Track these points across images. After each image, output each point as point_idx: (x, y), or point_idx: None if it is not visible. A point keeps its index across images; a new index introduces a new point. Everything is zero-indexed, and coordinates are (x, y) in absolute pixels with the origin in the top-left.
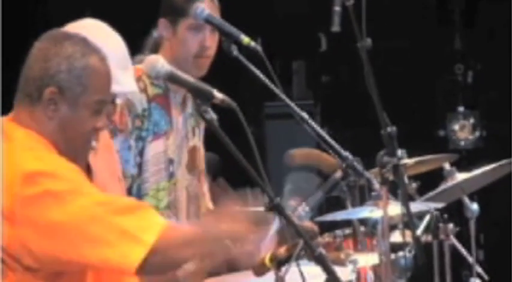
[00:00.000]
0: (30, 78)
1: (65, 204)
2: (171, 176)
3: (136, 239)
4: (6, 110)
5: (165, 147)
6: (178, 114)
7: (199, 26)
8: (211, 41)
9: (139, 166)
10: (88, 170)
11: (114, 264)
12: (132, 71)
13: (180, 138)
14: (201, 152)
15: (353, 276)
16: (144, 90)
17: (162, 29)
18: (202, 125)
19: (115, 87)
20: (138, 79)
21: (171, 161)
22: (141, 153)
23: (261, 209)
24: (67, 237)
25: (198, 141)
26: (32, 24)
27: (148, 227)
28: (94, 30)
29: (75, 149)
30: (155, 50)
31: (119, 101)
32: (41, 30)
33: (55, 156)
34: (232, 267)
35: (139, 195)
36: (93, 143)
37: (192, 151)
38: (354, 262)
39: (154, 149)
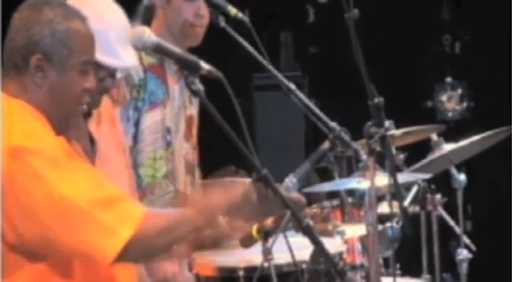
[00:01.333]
0: (14, 48)
1: (46, 187)
2: (168, 145)
3: (113, 233)
4: None
5: (162, 116)
6: (175, 83)
7: None
8: (205, 10)
9: (135, 136)
10: (91, 141)
11: (89, 256)
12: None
13: (177, 107)
14: (196, 121)
15: (344, 248)
16: (139, 60)
17: None
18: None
19: (116, 62)
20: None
21: (168, 130)
22: (136, 123)
23: (248, 180)
24: (45, 221)
25: (194, 110)
26: None
27: (126, 220)
28: (95, 3)
29: (66, 114)
30: (147, 18)
31: (119, 75)
32: None
33: (45, 132)
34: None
35: (136, 166)
36: (84, 107)
37: (189, 120)
38: (342, 233)
39: (151, 118)
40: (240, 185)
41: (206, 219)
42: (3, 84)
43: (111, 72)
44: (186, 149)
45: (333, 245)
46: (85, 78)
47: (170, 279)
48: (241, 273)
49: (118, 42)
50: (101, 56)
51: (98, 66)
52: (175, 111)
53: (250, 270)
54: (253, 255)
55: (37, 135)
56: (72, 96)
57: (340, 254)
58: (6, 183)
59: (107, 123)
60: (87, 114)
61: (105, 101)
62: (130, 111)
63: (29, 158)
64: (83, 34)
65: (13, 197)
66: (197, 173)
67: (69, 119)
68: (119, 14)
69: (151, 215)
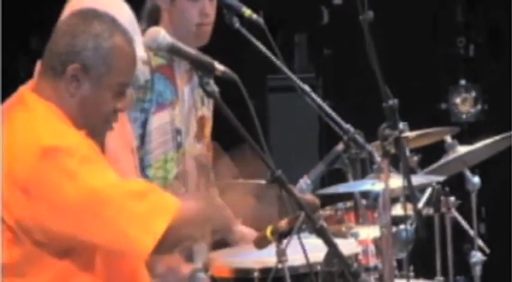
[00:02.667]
0: (55, 52)
1: (79, 183)
2: (178, 146)
3: (147, 226)
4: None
5: (171, 117)
6: (184, 83)
7: None
8: (210, 8)
9: (142, 138)
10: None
11: (123, 249)
12: (140, 38)
13: (188, 108)
14: (210, 122)
15: (359, 249)
16: (147, 61)
17: (159, 0)
18: None
19: None
20: None
21: (178, 131)
22: (143, 124)
23: (262, 181)
24: (79, 216)
25: (207, 110)
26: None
27: (161, 211)
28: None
29: (93, 128)
30: (152, 20)
31: (139, 74)
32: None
33: (73, 132)
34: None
35: (142, 167)
36: (113, 124)
37: (201, 120)
38: (355, 235)
39: (159, 119)
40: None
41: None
42: (37, 84)
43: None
44: (198, 150)
45: (348, 246)
46: (118, 98)
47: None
48: (256, 274)
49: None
50: None
51: None
52: (185, 112)
53: (265, 271)
54: (268, 257)
55: (66, 134)
56: (101, 113)
57: (356, 255)
58: (37, 182)
59: (116, 123)
60: None
61: None
62: (137, 113)
63: (60, 156)
64: (126, 55)
65: (43, 198)
66: (211, 174)
67: (94, 134)
68: (123, 8)
69: (180, 208)
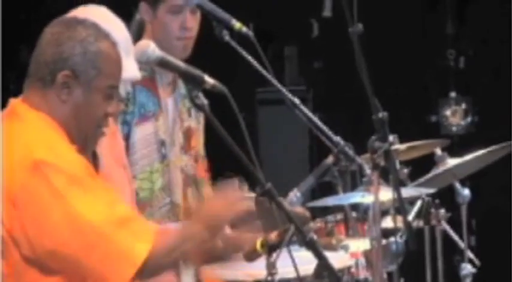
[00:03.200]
0: (42, 62)
1: (64, 204)
2: (163, 157)
3: (129, 254)
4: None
5: (154, 128)
6: (167, 95)
7: (178, 8)
8: (191, 22)
9: (126, 150)
10: (94, 156)
11: (103, 275)
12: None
13: (172, 119)
14: (199, 133)
15: (352, 262)
16: None
17: (143, 12)
18: None
19: None
20: None
21: (162, 143)
22: (127, 136)
23: (252, 195)
24: (62, 238)
25: (195, 122)
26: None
27: (141, 239)
28: (97, 16)
29: (86, 134)
30: (139, 33)
31: (121, 87)
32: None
33: (66, 147)
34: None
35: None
36: (104, 129)
37: (188, 132)
38: (345, 247)
39: (143, 131)
40: (244, 197)
41: (211, 232)
42: (26, 95)
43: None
44: (185, 161)
45: (340, 259)
46: (109, 102)
47: None
48: None
49: (121, 54)
50: None
51: None
52: (169, 123)
53: None
54: (260, 269)
55: (59, 150)
56: (94, 118)
57: (348, 268)
58: (24, 196)
59: (108, 138)
60: None
61: None
62: (119, 125)
63: (49, 172)
64: (112, 58)
65: (30, 211)
66: (204, 185)
67: (87, 140)
68: (119, 25)
69: (160, 234)
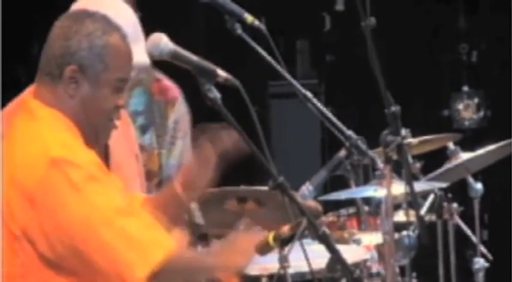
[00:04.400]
0: (51, 56)
1: (83, 199)
2: None
3: (146, 254)
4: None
5: None
6: None
7: None
8: None
9: None
10: (105, 147)
11: (119, 273)
12: (143, 43)
13: None
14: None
15: (368, 256)
16: None
17: None
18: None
19: None
20: None
21: None
22: None
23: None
24: (81, 234)
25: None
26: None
27: (159, 246)
28: (105, 3)
29: (97, 128)
30: None
31: (132, 73)
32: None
33: (79, 145)
34: None
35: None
36: (116, 122)
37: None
38: (358, 241)
39: None
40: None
41: (226, 272)
42: (37, 91)
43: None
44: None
45: (356, 252)
46: (118, 95)
47: None
48: (264, 280)
49: (130, 39)
50: None
51: None
52: None
53: (273, 278)
54: (274, 263)
55: (74, 148)
56: (103, 111)
57: (364, 261)
58: (43, 192)
59: (121, 128)
60: None
61: None
62: None
63: (67, 168)
64: (121, 51)
65: (49, 207)
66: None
67: (99, 133)
68: (128, 12)
69: (181, 250)
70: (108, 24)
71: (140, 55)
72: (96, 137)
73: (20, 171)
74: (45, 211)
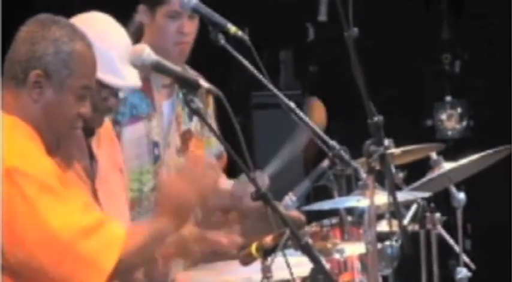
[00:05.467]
0: (16, 60)
1: (35, 214)
2: (156, 158)
3: (96, 265)
4: None
5: (146, 130)
6: (164, 97)
7: (176, 13)
8: (189, 27)
9: None
10: (91, 159)
11: None
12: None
13: (167, 122)
14: (201, 137)
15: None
16: None
17: (141, 15)
18: (210, 111)
19: (118, 82)
20: None
21: (155, 144)
22: (117, 136)
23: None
24: (32, 249)
25: (198, 125)
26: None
27: (109, 249)
28: (99, 23)
29: (58, 134)
30: (137, 35)
31: (121, 94)
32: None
33: (38, 154)
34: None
35: None
36: (77, 130)
37: (186, 135)
38: (341, 251)
39: (134, 132)
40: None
41: (178, 222)
42: (1, 95)
43: (114, 92)
44: (180, 164)
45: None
46: (81, 103)
47: None
48: None
49: (121, 61)
50: (103, 75)
51: (101, 85)
52: (164, 125)
53: None
54: (254, 273)
55: (32, 157)
56: (66, 118)
57: None
58: None
59: (106, 143)
60: (90, 133)
61: (105, 122)
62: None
63: (21, 180)
64: (86, 58)
65: (3, 219)
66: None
67: (60, 140)
68: (121, 33)
69: (130, 234)
70: (74, 32)
71: (133, 77)
72: (57, 144)
73: None
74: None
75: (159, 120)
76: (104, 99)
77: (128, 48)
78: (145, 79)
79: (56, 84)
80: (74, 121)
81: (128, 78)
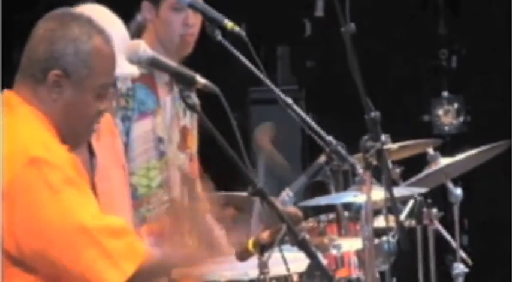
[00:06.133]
0: (35, 59)
1: (59, 202)
2: (161, 154)
3: (118, 265)
4: None
5: (153, 125)
6: (166, 93)
7: (181, 5)
8: (194, 19)
9: (125, 146)
10: (91, 153)
11: (88, 279)
12: None
13: (170, 117)
14: (194, 133)
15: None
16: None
17: (145, 11)
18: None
19: (116, 70)
20: None
21: (160, 140)
22: (127, 132)
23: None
24: (52, 235)
25: (190, 122)
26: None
27: (131, 256)
28: (95, 14)
29: (77, 132)
30: (139, 33)
31: (119, 84)
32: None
33: (58, 146)
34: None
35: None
36: (95, 126)
37: (184, 130)
38: (338, 247)
39: (141, 127)
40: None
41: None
42: (18, 88)
43: (114, 81)
44: (182, 160)
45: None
46: (101, 100)
47: None
48: None
49: (118, 51)
50: None
51: None
52: (167, 121)
53: None
54: (251, 269)
55: (54, 149)
56: (85, 117)
57: None
58: (17, 190)
59: (107, 138)
60: None
61: (105, 115)
62: (118, 121)
63: (46, 168)
64: (106, 56)
65: (22, 206)
66: (198, 184)
67: (79, 138)
68: (118, 24)
69: (149, 254)
70: (93, 27)
71: (129, 65)
72: (75, 141)
73: None
74: (19, 209)
75: (163, 116)
76: None
77: (124, 38)
78: (150, 75)
79: (75, 84)
80: (94, 119)
81: (124, 67)
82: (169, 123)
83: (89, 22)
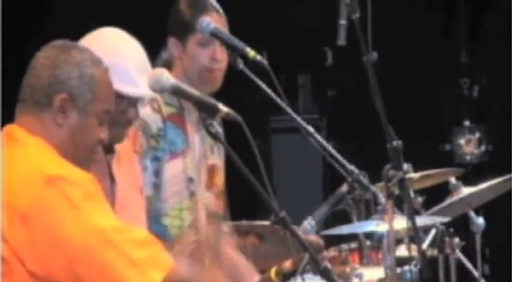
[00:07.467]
0: (38, 86)
1: (81, 217)
2: (192, 194)
3: (145, 273)
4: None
5: (183, 166)
6: (195, 132)
7: (208, 40)
8: (221, 54)
9: (156, 186)
10: (112, 179)
11: None
12: None
13: (198, 157)
14: (221, 170)
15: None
16: (158, 110)
17: (172, 47)
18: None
19: (135, 90)
20: (152, 100)
21: (191, 180)
22: (157, 173)
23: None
24: (77, 251)
25: (217, 159)
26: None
27: (158, 265)
28: (113, 36)
29: (81, 159)
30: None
31: (140, 105)
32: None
33: (73, 166)
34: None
35: (158, 216)
36: (95, 156)
37: (211, 169)
38: (360, 276)
39: (173, 168)
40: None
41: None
42: (21, 120)
43: (132, 102)
44: (207, 199)
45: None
46: (102, 128)
47: None
48: None
49: (136, 71)
50: (119, 85)
51: (118, 96)
52: (196, 160)
53: None
54: None
55: (70, 167)
56: (89, 142)
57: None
58: (38, 210)
59: (126, 163)
60: (110, 150)
61: (124, 140)
62: (148, 161)
63: (65, 186)
64: (107, 83)
65: (44, 224)
66: (224, 221)
67: (83, 164)
68: (134, 45)
69: (176, 267)
70: (92, 56)
71: (146, 87)
72: (81, 168)
73: (14, 192)
74: (41, 229)
75: (192, 156)
76: (122, 112)
77: (143, 59)
78: (179, 114)
79: (80, 108)
80: (95, 146)
81: (142, 87)
82: (198, 162)
83: (88, 50)
